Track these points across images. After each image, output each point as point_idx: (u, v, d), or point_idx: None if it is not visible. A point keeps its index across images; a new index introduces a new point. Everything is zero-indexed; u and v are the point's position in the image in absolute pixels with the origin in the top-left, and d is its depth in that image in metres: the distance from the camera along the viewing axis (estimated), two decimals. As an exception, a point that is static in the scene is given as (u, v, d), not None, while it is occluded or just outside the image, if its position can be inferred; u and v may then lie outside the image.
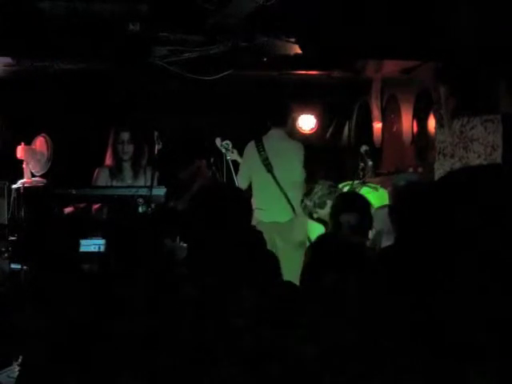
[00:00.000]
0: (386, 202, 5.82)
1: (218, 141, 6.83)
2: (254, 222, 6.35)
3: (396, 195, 3.41)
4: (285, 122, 6.60)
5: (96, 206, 6.17)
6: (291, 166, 6.38)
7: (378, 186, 6.28)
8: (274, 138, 6.51)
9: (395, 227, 3.04)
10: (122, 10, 5.92)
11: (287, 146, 6.49)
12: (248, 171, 6.50)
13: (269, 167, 6.37)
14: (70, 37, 5.97)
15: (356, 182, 6.37)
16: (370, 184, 6.40)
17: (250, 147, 6.55)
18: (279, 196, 6.32)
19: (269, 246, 6.17)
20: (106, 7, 5.90)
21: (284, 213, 6.34)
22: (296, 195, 6.30)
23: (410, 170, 7.01)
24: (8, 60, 6.61)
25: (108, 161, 6.36)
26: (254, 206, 6.32)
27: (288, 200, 6.32)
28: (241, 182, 6.47)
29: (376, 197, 6.05)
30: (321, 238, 3.39)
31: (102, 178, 6.34)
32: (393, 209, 3.24)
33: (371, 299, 2.14)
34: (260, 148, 6.43)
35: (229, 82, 6.92)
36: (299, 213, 6.31)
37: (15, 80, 7.26)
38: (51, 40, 5.97)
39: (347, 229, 4.40)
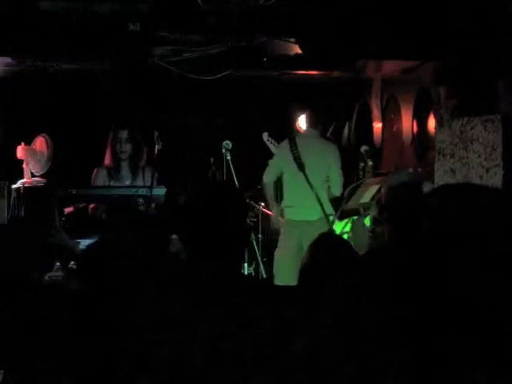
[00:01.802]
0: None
1: (265, 136, 7.09)
2: (283, 221, 6.42)
3: (389, 195, 3.41)
4: (318, 122, 6.65)
5: (92, 206, 6.17)
6: (324, 167, 6.38)
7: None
8: (307, 138, 6.54)
9: (388, 227, 3.03)
10: (121, 10, 5.92)
11: (321, 146, 6.50)
12: (278, 168, 6.52)
13: (301, 166, 6.37)
14: (69, 37, 5.97)
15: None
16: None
17: (284, 145, 6.57)
18: (309, 195, 6.28)
19: (294, 246, 6.20)
20: (106, 7, 5.90)
21: (313, 212, 6.30)
22: (326, 195, 6.37)
23: (410, 169, 7.01)
24: (8, 60, 6.61)
25: (106, 160, 6.36)
26: (284, 204, 6.41)
27: (318, 199, 6.29)
28: (267, 176, 6.50)
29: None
30: (320, 237, 3.38)
31: (99, 177, 6.34)
32: (385, 208, 3.23)
33: (364, 299, 2.13)
34: (293, 146, 6.43)
35: (228, 81, 6.92)
36: (328, 213, 6.34)
37: (15, 80, 7.27)
38: (51, 40, 5.96)
39: None
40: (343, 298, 1.86)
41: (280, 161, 6.51)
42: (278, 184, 6.62)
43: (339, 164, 6.42)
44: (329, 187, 6.37)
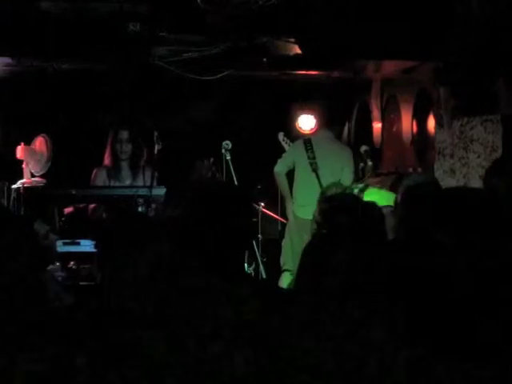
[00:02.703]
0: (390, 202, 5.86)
1: (280, 136, 7.10)
2: (292, 217, 6.47)
3: (406, 195, 3.45)
4: (332, 123, 6.66)
5: (92, 206, 6.16)
6: (337, 170, 6.40)
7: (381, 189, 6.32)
8: (322, 139, 6.55)
9: (402, 226, 3.04)
10: (121, 10, 5.92)
11: (336, 149, 6.52)
12: (291, 162, 6.55)
13: (314, 167, 6.38)
14: (69, 37, 5.97)
15: (360, 185, 6.37)
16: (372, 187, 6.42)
17: (299, 144, 6.59)
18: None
19: (296, 241, 6.25)
20: (106, 7, 5.90)
21: None
22: None
23: (410, 169, 7.01)
24: (8, 60, 6.60)
25: (106, 160, 6.36)
26: (295, 202, 6.44)
27: None
28: (278, 166, 6.55)
29: (381, 197, 6.09)
30: (313, 239, 3.37)
31: (99, 178, 6.33)
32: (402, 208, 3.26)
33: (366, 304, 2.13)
34: (308, 146, 6.45)
35: (228, 82, 6.92)
36: None
37: (15, 80, 7.26)
38: (51, 40, 5.97)
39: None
40: (344, 301, 1.87)
41: (294, 157, 6.57)
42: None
43: (352, 168, 6.48)
44: None
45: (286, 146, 7.15)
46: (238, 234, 2.29)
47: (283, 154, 6.67)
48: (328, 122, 6.69)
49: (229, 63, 6.57)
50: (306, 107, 8.09)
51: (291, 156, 6.61)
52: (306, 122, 8.39)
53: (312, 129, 8.45)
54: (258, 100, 7.87)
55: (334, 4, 5.93)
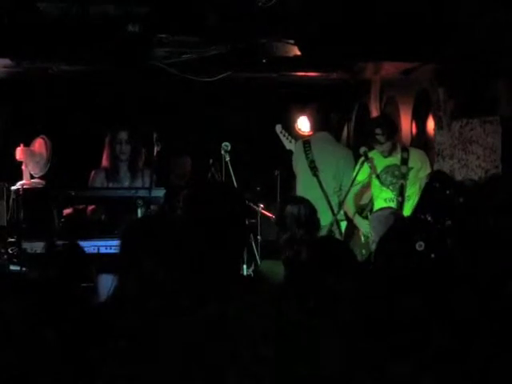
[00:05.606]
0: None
1: (278, 128, 7.07)
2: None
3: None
4: (332, 125, 6.69)
5: (91, 208, 6.15)
6: (338, 173, 6.38)
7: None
8: (321, 141, 6.53)
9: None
10: (121, 12, 5.92)
11: (337, 151, 6.50)
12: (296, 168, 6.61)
13: (314, 170, 6.37)
14: (69, 38, 5.97)
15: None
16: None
17: (298, 146, 6.59)
18: (322, 200, 6.22)
19: None
20: (106, 8, 5.90)
21: (324, 216, 6.12)
22: (338, 201, 6.28)
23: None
24: (7, 61, 6.61)
25: (105, 162, 6.34)
26: None
27: (329, 204, 6.26)
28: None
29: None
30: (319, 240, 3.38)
31: (97, 179, 6.32)
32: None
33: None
34: (307, 149, 6.42)
35: (228, 83, 6.92)
36: (339, 219, 6.29)
37: (14, 81, 7.27)
38: (51, 41, 5.97)
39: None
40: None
41: (295, 162, 6.57)
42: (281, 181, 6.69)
43: (353, 170, 6.45)
44: (340, 190, 6.35)
45: (283, 139, 7.12)
46: (234, 234, 2.30)
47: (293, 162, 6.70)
48: (327, 123, 6.67)
49: (228, 64, 6.58)
50: (306, 109, 8.09)
51: (294, 162, 6.63)
52: (305, 124, 8.40)
53: (311, 130, 8.46)
54: (257, 101, 7.88)
55: (333, 6, 5.93)
